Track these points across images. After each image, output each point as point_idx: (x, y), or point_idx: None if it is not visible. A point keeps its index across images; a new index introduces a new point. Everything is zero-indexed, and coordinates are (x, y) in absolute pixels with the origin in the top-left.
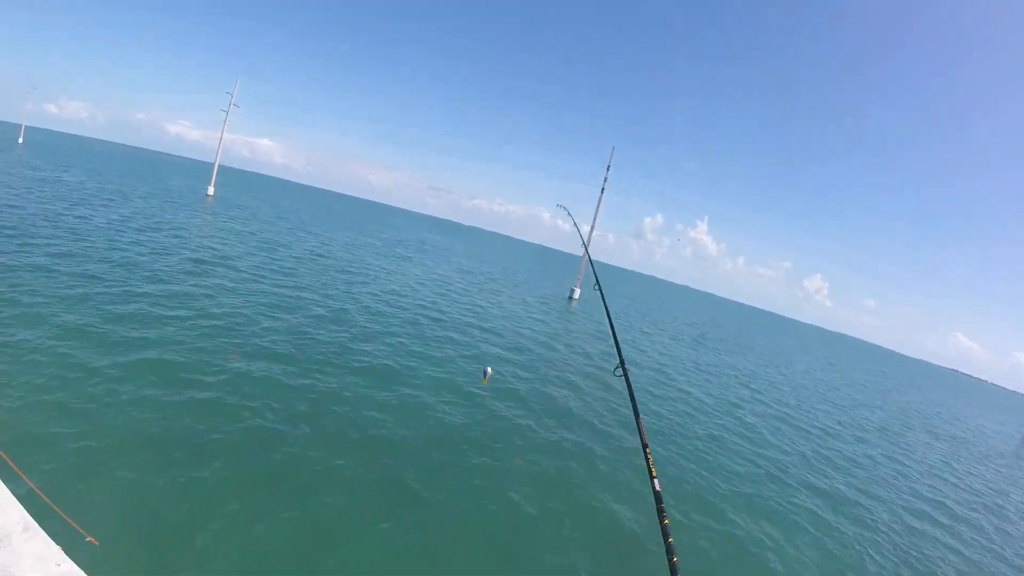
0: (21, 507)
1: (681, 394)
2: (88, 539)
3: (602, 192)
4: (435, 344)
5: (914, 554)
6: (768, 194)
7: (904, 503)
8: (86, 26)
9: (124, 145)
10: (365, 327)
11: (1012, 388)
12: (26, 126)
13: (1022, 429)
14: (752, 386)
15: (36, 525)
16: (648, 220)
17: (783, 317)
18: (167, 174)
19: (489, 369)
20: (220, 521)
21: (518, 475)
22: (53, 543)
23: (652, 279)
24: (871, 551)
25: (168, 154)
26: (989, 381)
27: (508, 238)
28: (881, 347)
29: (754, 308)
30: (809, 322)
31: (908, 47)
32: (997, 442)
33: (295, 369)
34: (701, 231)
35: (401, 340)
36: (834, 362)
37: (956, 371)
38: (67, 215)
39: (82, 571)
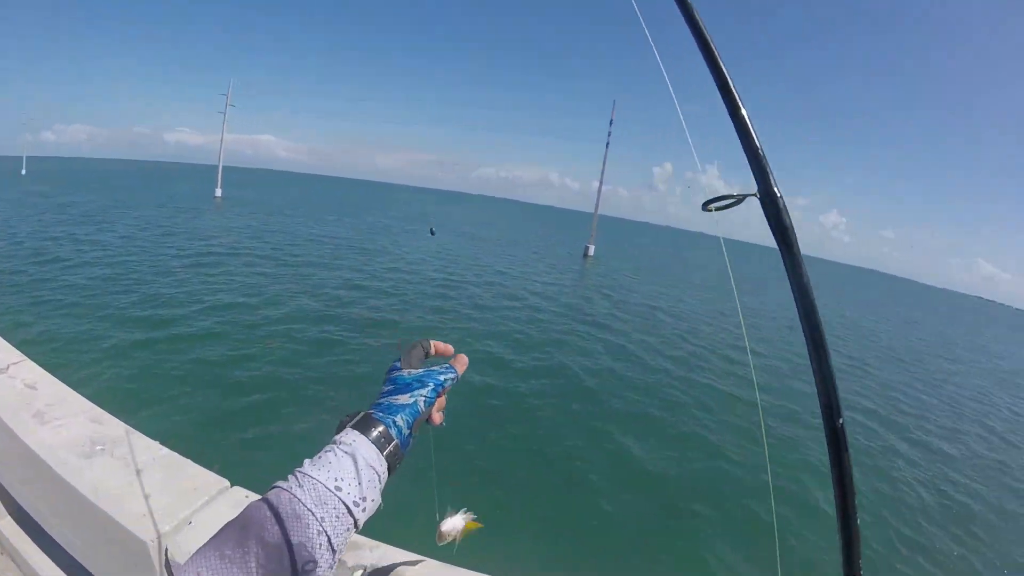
0: (121, 421)
1: None
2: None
3: (607, 147)
4: (440, 309)
5: None
6: (772, 133)
7: None
8: (75, 49)
9: (128, 160)
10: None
11: None
12: (27, 157)
13: None
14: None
15: (137, 431)
16: (657, 170)
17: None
18: (175, 182)
19: None
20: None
21: None
22: (152, 439)
23: (667, 229)
24: None
25: (173, 163)
26: None
27: (516, 202)
28: (907, 279)
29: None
30: (831, 259)
31: None
32: None
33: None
34: (712, 176)
35: (407, 309)
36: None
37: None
38: (82, 235)
39: (179, 454)
